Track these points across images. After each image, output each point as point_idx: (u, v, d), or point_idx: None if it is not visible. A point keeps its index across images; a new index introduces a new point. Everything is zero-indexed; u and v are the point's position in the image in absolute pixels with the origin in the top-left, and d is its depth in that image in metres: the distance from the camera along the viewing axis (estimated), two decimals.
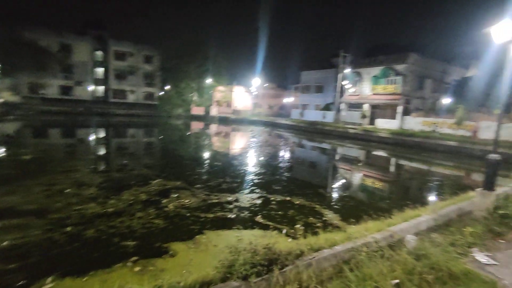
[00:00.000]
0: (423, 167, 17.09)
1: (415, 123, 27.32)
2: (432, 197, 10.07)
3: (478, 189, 5.52)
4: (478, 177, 13.75)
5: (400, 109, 29.62)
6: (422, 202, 8.52)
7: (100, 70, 48.85)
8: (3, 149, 14.71)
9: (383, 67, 32.08)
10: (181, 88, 49.91)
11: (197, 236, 5.72)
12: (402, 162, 18.81)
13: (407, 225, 4.43)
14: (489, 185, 5.38)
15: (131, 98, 50.60)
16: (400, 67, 30.76)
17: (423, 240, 3.96)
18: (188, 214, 6.85)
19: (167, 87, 53.31)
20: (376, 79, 32.91)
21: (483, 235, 4.60)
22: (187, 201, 7.74)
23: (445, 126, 24.68)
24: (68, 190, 8.17)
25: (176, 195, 8.19)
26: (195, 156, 16.25)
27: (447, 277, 3.25)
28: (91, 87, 47.52)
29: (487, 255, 4.00)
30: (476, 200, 5.44)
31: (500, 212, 5.12)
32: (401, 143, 24.15)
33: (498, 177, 5.66)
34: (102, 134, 25.39)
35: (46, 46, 41.49)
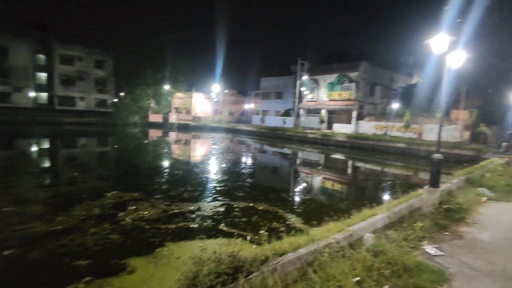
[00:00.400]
0: (377, 168, 18.24)
1: (369, 127, 29.17)
2: (386, 196, 10.75)
3: (425, 187, 6.00)
4: (425, 175, 15.01)
5: (354, 114, 31.45)
6: (377, 201, 9.06)
7: (43, 75, 44.91)
8: None
9: (337, 74, 33.88)
10: (137, 94, 47.81)
11: (157, 249, 5.44)
12: (358, 164, 19.90)
13: (365, 224, 4.65)
14: (434, 182, 5.88)
15: (81, 105, 47.19)
16: (353, 74, 32.73)
17: (380, 237, 4.18)
18: (148, 227, 6.50)
19: (122, 94, 50.75)
20: (331, 86, 34.62)
21: (431, 229, 5.00)
22: (146, 212, 7.36)
23: (395, 129, 26.71)
24: (6, 209, 7.30)
25: (134, 207, 7.74)
26: (154, 165, 15.58)
27: (402, 270, 3.46)
28: (32, 94, 43.40)
29: (435, 247, 4.34)
30: (424, 197, 5.91)
31: (445, 206, 5.62)
32: (357, 146, 25.57)
33: (441, 175, 6.22)
34: (47, 144, 23.27)
35: None
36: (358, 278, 3.18)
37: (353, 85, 32.57)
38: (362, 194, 11.57)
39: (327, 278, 3.12)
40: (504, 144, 17.91)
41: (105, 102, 49.60)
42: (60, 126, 38.30)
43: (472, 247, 4.44)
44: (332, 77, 34.45)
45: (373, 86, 34.39)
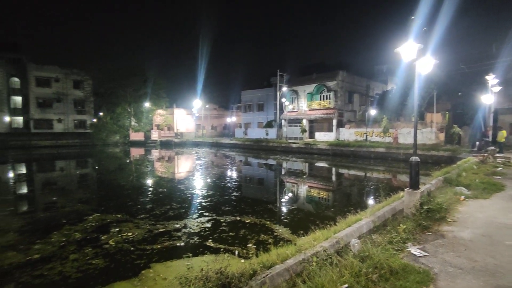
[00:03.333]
0: (360, 173, 18.59)
1: (349, 134, 29.85)
2: (370, 201, 10.93)
3: (406, 189, 6.16)
4: (405, 177, 15.42)
5: (335, 122, 32.15)
6: (362, 206, 9.20)
7: (18, 99, 43.42)
8: None
9: (316, 84, 34.73)
10: (117, 113, 46.97)
11: (143, 271, 5.26)
12: (342, 170, 20.20)
13: (350, 229, 4.71)
14: (414, 184, 6.06)
15: (59, 127, 45.72)
16: (331, 83, 33.65)
17: (365, 242, 4.23)
18: (132, 248, 6.28)
19: (101, 113, 49.70)
20: (311, 96, 35.40)
21: (414, 230, 5.11)
22: (130, 234, 7.13)
23: (374, 135, 27.46)
24: None
25: (117, 229, 7.49)
26: (137, 185, 15.19)
27: (389, 273, 3.50)
28: (7, 118, 41.77)
29: (419, 248, 4.44)
30: (405, 199, 6.06)
31: (425, 207, 5.77)
32: (339, 153, 26.03)
33: (421, 176, 6.42)
34: (22, 169, 22.26)
35: None
36: (346, 285, 3.19)
37: (331, 94, 33.44)
38: (347, 200, 11.72)
39: (316, 287, 3.12)
40: (477, 143, 18.77)
41: (85, 123, 48.34)
42: (36, 150, 36.86)
43: (454, 245, 4.57)
44: (311, 87, 35.26)
45: (351, 94, 35.43)
